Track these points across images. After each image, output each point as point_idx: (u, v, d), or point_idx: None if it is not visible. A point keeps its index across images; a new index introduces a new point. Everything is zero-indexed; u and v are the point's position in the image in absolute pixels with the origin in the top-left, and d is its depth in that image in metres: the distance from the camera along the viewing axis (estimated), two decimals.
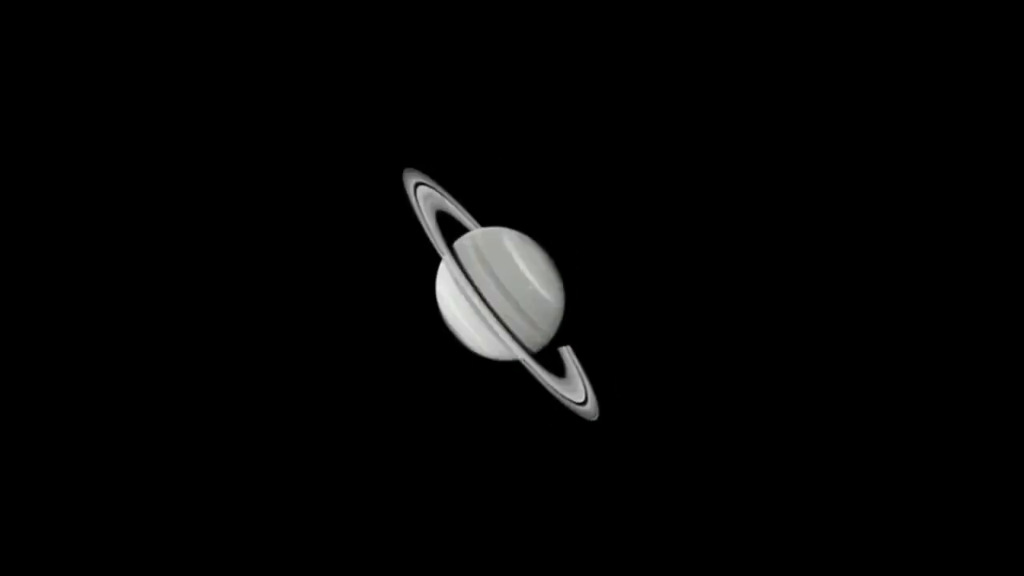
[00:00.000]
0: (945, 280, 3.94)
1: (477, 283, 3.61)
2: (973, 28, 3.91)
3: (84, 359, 3.95)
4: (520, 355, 3.68)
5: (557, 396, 3.78)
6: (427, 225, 3.78)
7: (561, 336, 3.82)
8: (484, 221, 3.90)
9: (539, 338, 3.73)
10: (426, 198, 3.84)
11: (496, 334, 3.62)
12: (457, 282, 3.64)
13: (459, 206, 3.92)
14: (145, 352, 3.98)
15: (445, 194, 3.91)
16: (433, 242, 3.75)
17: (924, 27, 3.93)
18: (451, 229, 3.82)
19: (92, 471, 3.93)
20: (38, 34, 3.99)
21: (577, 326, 3.87)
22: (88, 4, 4.00)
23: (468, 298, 3.61)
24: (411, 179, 3.84)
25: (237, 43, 4.03)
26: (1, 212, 3.94)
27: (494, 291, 3.61)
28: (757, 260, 3.99)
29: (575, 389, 3.85)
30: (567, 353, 3.91)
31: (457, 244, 3.75)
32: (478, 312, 3.61)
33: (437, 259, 3.78)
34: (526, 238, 3.80)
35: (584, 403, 3.85)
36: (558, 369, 3.85)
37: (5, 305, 3.93)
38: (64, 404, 3.93)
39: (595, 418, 3.87)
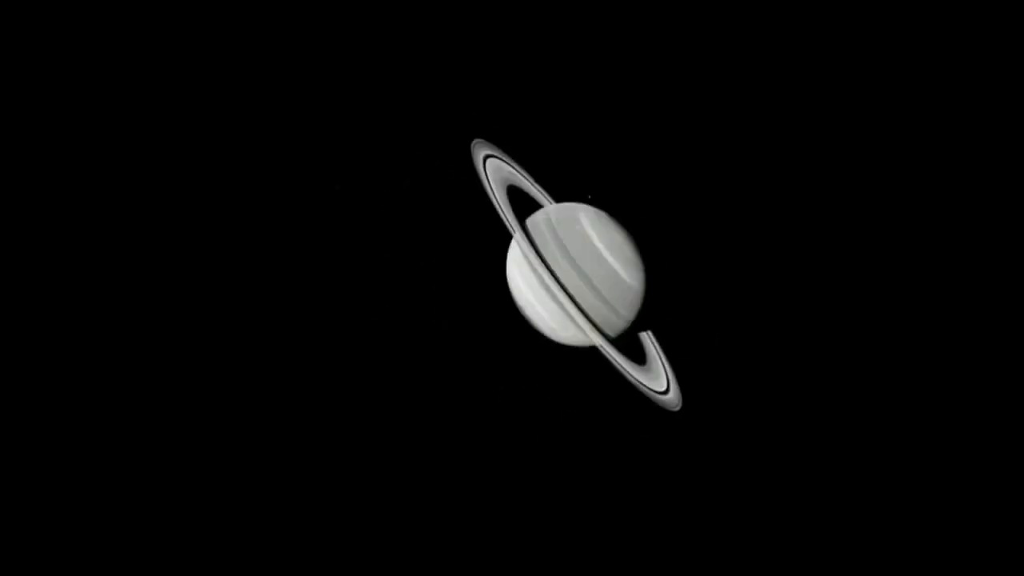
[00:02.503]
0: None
1: (551, 263, 3.43)
2: (973, 28, 3.72)
3: (112, 354, 3.89)
4: (597, 340, 3.50)
5: (637, 384, 3.58)
6: (498, 200, 3.59)
7: (641, 320, 3.62)
8: (559, 197, 3.71)
9: (618, 322, 3.54)
10: (496, 171, 3.65)
11: (572, 318, 3.43)
12: (530, 262, 3.45)
13: (532, 180, 3.73)
14: (190, 341, 3.90)
15: (517, 167, 3.71)
16: (504, 219, 3.56)
17: (924, 27, 3.73)
18: (523, 205, 3.65)
19: (123, 464, 3.88)
20: (39, 34, 3.89)
21: (658, 309, 3.68)
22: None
23: (541, 279, 3.42)
24: (480, 151, 3.66)
25: (298, 13, 3.87)
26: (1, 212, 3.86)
27: (569, 271, 3.44)
28: (851, 238, 3.75)
29: (656, 377, 3.68)
30: (648, 338, 3.71)
31: (530, 221, 3.57)
32: (552, 294, 3.42)
33: (508, 237, 3.60)
34: (603, 215, 3.62)
35: (666, 392, 3.68)
36: (638, 356, 3.67)
37: (5, 305, 3.85)
38: (103, 394, 3.88)
39: (678, 408, 3.69)
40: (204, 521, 3.84)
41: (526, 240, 3.49)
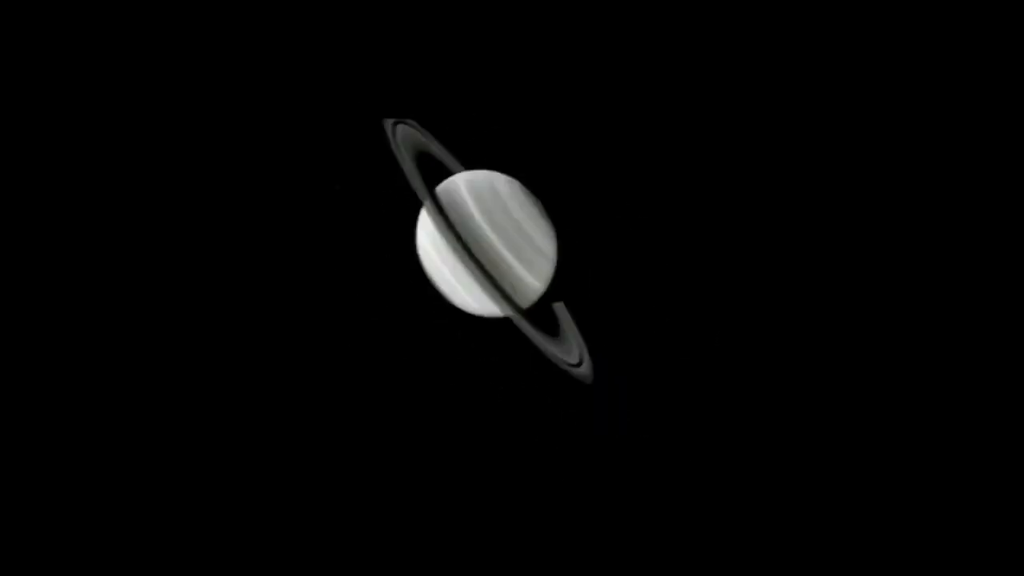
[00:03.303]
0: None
1: (461, 232, 3.33)
2: (973, 28, 3.74)
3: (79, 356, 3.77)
4: (509, 311, 3.40)
5: (549, 357, 3.50)
6: (406, 167, 3.47)
7: (554, 291, 3.54)
8: (469, 164, 3.61)
9: (530, 293, 3.45)
10: (405, 138, 3.54)
11: (483, 288, 3.33)
12: (439, 230, 3.35)
13: (442, 147, 3.63)
14: (123, 337, 3.75)
15: (426, 133, 3.62)
16: (413, 186, 3.45)
17: (924, 27, 3.75)
18: (433, 173, 3.54)
19: (97, 470, 3.77)
20: (38, 34, 3.76)
21: (572, 280, 3.61)
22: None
23: (452, 248, 3.33)
24: (389, 117, 3.54)
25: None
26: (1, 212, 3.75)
27: (480, 240, 3.34)
28: (765, 207, 3.73)
29: (569, 350, 3.60)
30: (560, 310, 3.64)
31: (439, 189, 3.46)
32: (463, 263, 3.32)
33: (418, 205, 3.47)
34: (515, 183, 3.52)
35: (579, 365, 3.61)
36: (551, 327, 3.59)
37: (5, 305, 3.73)
38: (69, 403, 3.76)
39: (590, 382, 3.61)
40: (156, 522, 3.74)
41: (435, 208, 3.39)
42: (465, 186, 3.44)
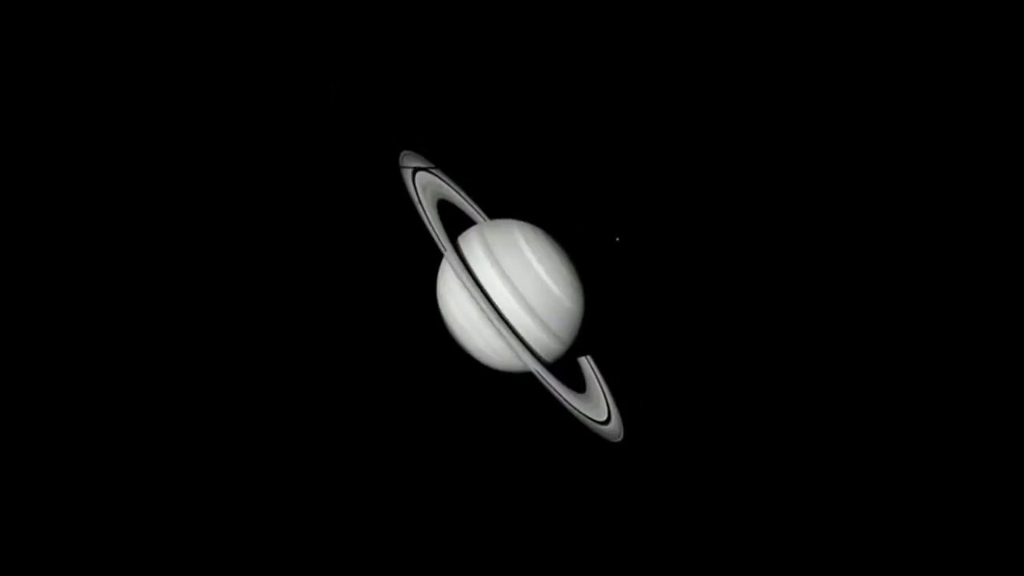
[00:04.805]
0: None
1: (484, 283, 3.20)
2: (973, 28, 3.69)
3: (77, 360, 3.76)
4: (533, 366, 3.26)
5: (576, 414, 3.36)
6: (428, 216, 3.36)
7: (580, 345, 3.40)
8: (492, 213, 3.53)
9: (555, 346, 3.31)
10: (426, 186, 3.43)
11: (506, 341, 3.19)
12: (461, 281, 3.22)
13: (464, 195, 3.54)
14: (130, 350, 3.74)
15: (448, 181, 3.52)
16: (434, 236, 3.33)
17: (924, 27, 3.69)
18: (455, 221, 3.44)
19: (93, 471, 3.74)
20: (38, 34, 3.80)
21: (599, 333, 3.48)
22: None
23: (474, 300, 3.19)
24: (410, 163, 3.44)
25: (223, 23, 3.68)
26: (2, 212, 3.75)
27: (503, 292, 3.21)
28: (798, 256, 3.60)
29: (596, 405, 3.46)
30: (587, 364, 3.52)
31: (462, 238, 3.34)
32: (485, 316, 3.19)
33: (439, 256, 3.38)
34: (540, 232, 3.39)
35: (607, 422, 3.46)
36: (577, 383, 3.46)
37: (6, 306, 3.73)
38: (67, 404, 3.74)
39: (619, 439, 3.48)
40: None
41: (457, 258, 3.27)
42: (489, 235, 3.32)
